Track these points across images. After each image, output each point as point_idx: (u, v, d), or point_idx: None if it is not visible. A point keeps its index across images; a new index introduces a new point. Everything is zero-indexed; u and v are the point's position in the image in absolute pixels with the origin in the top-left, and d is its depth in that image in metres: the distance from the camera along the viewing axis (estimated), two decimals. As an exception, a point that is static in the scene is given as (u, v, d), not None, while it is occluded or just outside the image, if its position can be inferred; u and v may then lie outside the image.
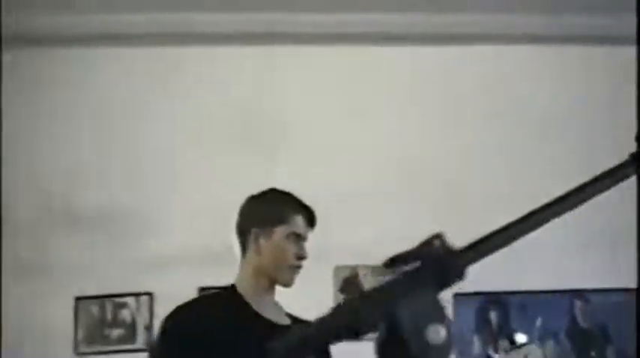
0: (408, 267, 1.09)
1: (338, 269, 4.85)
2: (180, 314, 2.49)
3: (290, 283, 2.60)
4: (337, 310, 1.07)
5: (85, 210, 4.86)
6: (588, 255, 4.83)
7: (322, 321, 1.07)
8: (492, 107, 5.09)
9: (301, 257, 2.60)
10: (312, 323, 1.07)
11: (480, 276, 4.68)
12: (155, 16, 4.96)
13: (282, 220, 2.60)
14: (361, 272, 4.88)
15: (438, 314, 1.06)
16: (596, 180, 1.15)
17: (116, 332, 4.75)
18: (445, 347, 1.04)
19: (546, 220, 1.15)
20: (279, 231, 2.59)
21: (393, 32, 5.08)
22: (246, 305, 2.56)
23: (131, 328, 4.75)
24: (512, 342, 4.29)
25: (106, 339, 4.74)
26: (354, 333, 1.05)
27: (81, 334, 4.73)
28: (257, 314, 2.55)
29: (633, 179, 1.15)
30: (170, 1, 4.89)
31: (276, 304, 2.65)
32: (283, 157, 4.73)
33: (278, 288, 2.66)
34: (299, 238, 2.61)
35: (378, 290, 1.08)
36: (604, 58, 5.05)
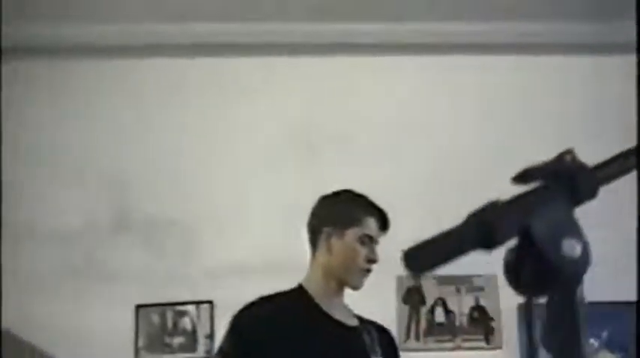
0: (539, 182, 1.08)
1: (401, 278, 4.79)
2: (249, 312, 2.48)
3: (359, 286, 2.56)
4: (471, 220, 1.06)
5: (147, 219, 4.88)
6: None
7: (457, 230, 1.06)
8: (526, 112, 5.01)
9: (372, 260, 2.57)
10: (446, 232, 1.06)
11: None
12: (196, 27, 4.99)
13: (355, 222, 2.58)
14: (424, 283, 4.83)
15: (573, 229, 1.04)
16: None
17: (177, 341, 4.74)
18: (582, 262, 1.02)
19: None
20: (352, 233, 2.56)
21: (440, 42, 5.07)
22: (316, 305, 2.53)
23: (192, 336, 4.74)
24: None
25: (166, 347, 4.73)
26: (487, 245, 1.04)
27: (142, 342, 4.72)
28: (326, 315, 2.52)
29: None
30: (219, 12, 4.89)
31: (344, 306, 2.60)
32: (339, 167, 4.69)
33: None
34: (371, 241, 2.58)
35: (511, 203, 1.06)
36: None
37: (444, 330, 4.79)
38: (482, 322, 4.79)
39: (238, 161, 4.96)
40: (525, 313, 1.05)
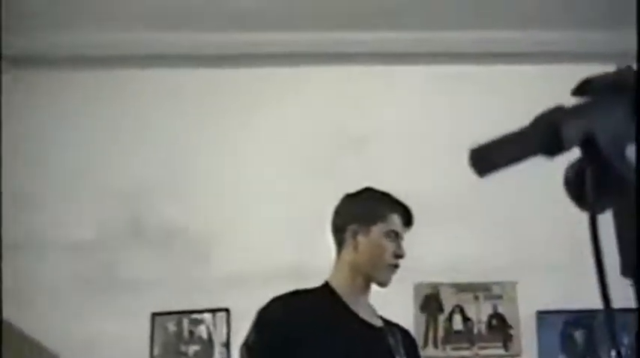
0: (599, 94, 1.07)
1: (419, 286, 4.77)
2: (276, 306, 2.48)
3: (387, 282, 2.56)
4: (537, 122, 1.05)
5: (162, 227, 4.89)
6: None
7: (523, 132, 1.06)
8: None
9: (399, 255, 2.57)
10: (512, 133, 1.06)
11: (564, 294, 4.57)
12: (211, 37, 4.99)
13: (380, 218, 2.58)
14: (442, 291, 4.80)
15: (635, 138, 1.04)
16: None
17: (193, 349, 4.72)
18: None
19: None
20: (377, 229, 2.57)
21: (467, 51, 5.08)
22: (342, 302, 2.53)
23: (208, 344, 4.72)
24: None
25: (182, 355, 4.72)
26: (551, 150, 1.04)
27: (157, 350, 4.71)
28: (353, 313, 2.52)
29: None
30: (235, 22, 4.89)
31: (369, 305, 2.59)
32: (355, 176, 4.67)
33: None
34: (396, 236, 2.57)
35: (576, 109, 1.05)
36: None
37: (462, 338, 4.76)
38: (500, 330, 4.75)
39: (254, 169, 4.96)
40: (591, 227, 1.04)
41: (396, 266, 2.57)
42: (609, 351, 4.54)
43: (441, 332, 4.76)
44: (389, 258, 2.54)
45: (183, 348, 4.73)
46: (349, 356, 2.40)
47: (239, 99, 5.09)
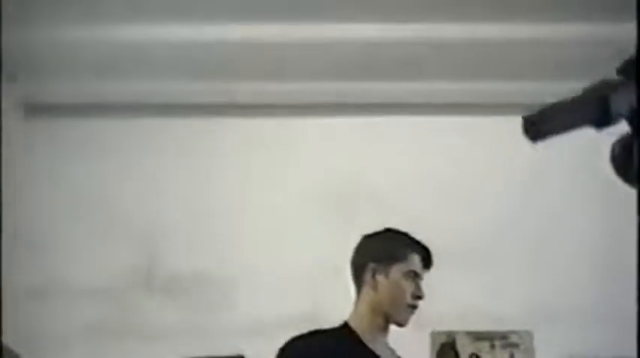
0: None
1: (435, 334, 4.75)
2: (295, 345, 2.47)
3: (405, 322, 2.55)
4: (587, 93, 1.07)
5: (176, 274, 4.91)
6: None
7: (573, 101, 1.08)
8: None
9: (418, 296, 2.55)
10: (563, 102, 1.09)
11: (581, 343, 4.51)
12: (231, 86, 5.02)
13: (399, 258, 2.57)
14: (458, 339, 4.78)
15: None
16: None
17: (208, 395, 4.70)
18: None
19: None
20: (397, 269, 2.56)
21: (479, 102, 5.12)
22: (362, 343, 2.51)
23: (224, 391, 4.70)
24: None
25: (197, 402, 4.69)
26: (600, 121, 1.06)
27: (173, 396, 4.69)
28: (372, 352, 2.49)
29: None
30: (252, 71, 4.93)
31: (388, 345, 2.58)
32: (372, 224, 4.69)
33: None
34: (416, 277, 2.56)
35: (624, 84, 1.06)
36: None
37: (479, 387, 4.73)
38: (517, 379, 4.72)
39: (271, 217, 4.98)
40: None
41: (415, 306, 2.56)
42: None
43: (457, 381, 4.74)
44: (408, 299, 2.53)
45: (198, 395, 4.71)
46: None
47: (256, 147, 5.12)
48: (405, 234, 2.65)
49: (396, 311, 2.54)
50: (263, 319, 4.59)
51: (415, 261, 2.58)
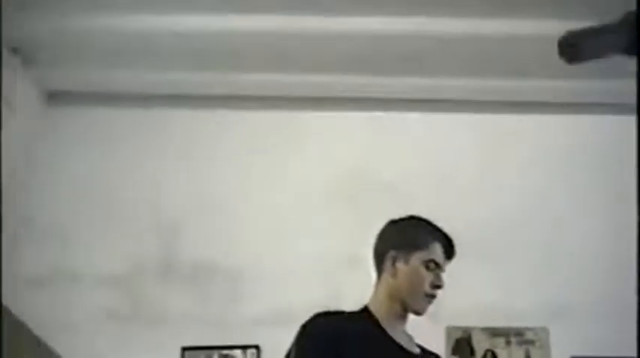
0: None
1: (450, 329, 4.74)
2: (319, 321, 2.45)
3: (423, 311, 2.53)
4: (624, 21, 1.06)
5: (193, 263, 4.94)
6: None
7: (610, 26, 1.08)
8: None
9: (437, 286, 2.52)
10: (600, 27, 1.08)
11: (597, 340, 4.49)
12: (246, 79, 5.06)
13: (421, 246, 2.54)
14: (474, 334, 4.76)
15: None
16: None
17: (222, 384, 4.72)
18: None
19: None
20: (417, 257, 2.53)
21: (494, 99, 5.15)
22: (381, 328, 2.49)
23: (238, 380, 4.71)
24: None
25: (211, 391, 4.71)
26: (628, 49, 1.05)
27: (186, 384, 4.70)
28: (392, 339, 2.48)
29: None
30: (267, 63, 4.94)
31: (406, 332, 2.56)
32: (384, 217, 4.69)
33: None
34: (437, 266, 2.54)
35: None
36: None
37: (494, 383, 4.72)
38: (532, 376, 4.70)
39: (285, 207, 5.00)
40: None
41: (433, 296, 2.53)
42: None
43: (473, 377, 4.73)
44: (427, 288, 2.51)
45: (212, 383, 4.72)
46: None
47: (263, 139, 5.15)
48: (429, 223, 2.62)
49: (413, 300, 2.51)
50: (277, 310, 4.60)
51: (437, 250, 2.55)
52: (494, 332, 4.78)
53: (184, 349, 4.73)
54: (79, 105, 5.16)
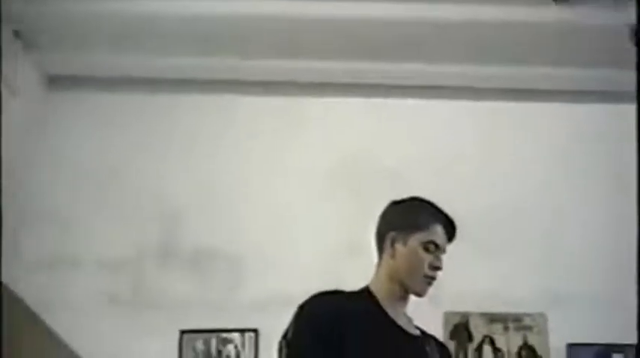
0: None
1: (448, 314, 4.76)
2: (317, 301, 2.42)
3: (422, 293, 2.51)
4: None
5: (193, 248, 4.95)
6: None
7: None
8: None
9: (436, 267, 2.50)
10: None
11: (595, 327, 4.50)
12: (248, 64, 5.05)
13: (420, 227, 2.51)
14: (472, 320, 4.78)
15: None
16: None
17: (220, 368, 4.74)
18: None
19: None
20: (416, 238, 2.50)
21: (491, 87, 5.16)
22: (381, 309, 2.49)
23: (236, 364, 4.73)
24: None
25: (210, 374, 4.73)
26: None
27: (185, 368, 4.73)
28: (392, 321, 2.48)
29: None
30: (270, 49, 4.94)
31: (406, 315, 2.56)
32: (385, 202, 4.71)
33: None
34: (436, 248, 2.51)
35: None
36: None
37: (492, 369, 4.74)
38: (530, 361, 4.73)
39: (286, 193, 5.01)
40: None
41: (433, 278, 2.50)
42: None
43: (470, 362, 4.75)
44: (425, 269, 2.48)
45: (211, 367, 4.75)
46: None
47: (273, 125, 5.16)
48: (431, 204, 2.60)
49: (412, 281, 2.49)
50: (276, 295, 4.60)
51: (437, 231, 2.52)
52: (492, 318, 4.80)
53: (183, 332, 4.76)
54: (80, 90, 5.16)
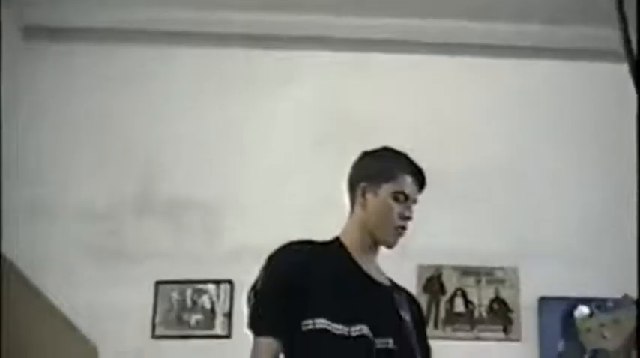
0: None
1: (422, 268, 4.80)
2: (286, 251, 2.46)
3: (392, 244, 2.53)
4: None
5: (169, 199, 4.95)
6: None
7: None
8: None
9: (406, 217, 2.52)
10: None
11: (566, 280, 4.55)
12: (234, 17, 5.02)
13: (390, 177, 2.53)
14: (445, 273, 4.82)
15: None
16: None
17: (195, 318, 4.76)
18: None
19: None
20: (386, 188, 2.52)
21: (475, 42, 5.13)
22: (351, 258, 2.51)
23: (210, 314, 4.76)
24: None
25: (184, 324, 4.76)
26: None
27: (159, 318, 4.75)
28: (361, 269, 2.50)
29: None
30: (259, 3, 4.90)
31: (377, 265, 2.58)
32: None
33: None
34: (406, 199, 2.53)
35: None
36: None
37: (463, 320, 4.79)
38: (501, 314, 4.78)
39: (262, 147, 5.01)
40: None
41: (403, 228, 2.52)
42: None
43: (442, 314, 4.79)
44: (395, 220, 2.50)
45: (185, 317, 4.76)
46: (354, 307, 2.39)
47: (253, 78, 5.14)
48: (402, 154, 2.61)
49: (382, 231, 2.51)
50: (251, 246, 4.58)
51: (407, 181, 2.54)
52: (464, 271, 4.84)
53: (158, 283, 4.77)
54: (57, 41, 5.11)
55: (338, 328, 2.32)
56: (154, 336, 4.73)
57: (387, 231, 2.52)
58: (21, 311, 3.52)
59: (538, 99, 5.13)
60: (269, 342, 2.34)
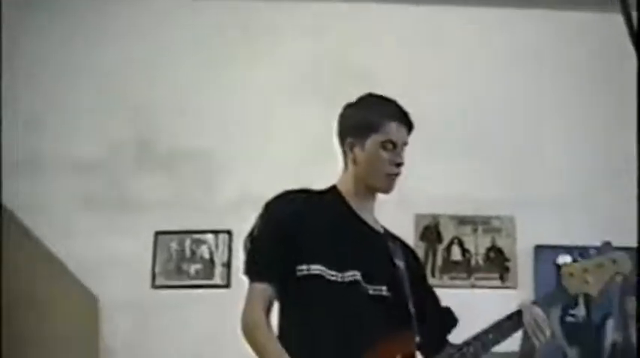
0: None
1: (419, 217, 4.82)
2: (283, 199, 2.48)
3: (389, 190, 2.53)
4: None
5: (169, 149, 4.95)
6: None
7: None
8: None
9: (397, 163, 2.50)
10: None
11: (562, 229, 4.57)
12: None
13: (374, 128, 2.50)
14: (442, 222, 4.85)
15: None
16: None
17: (194, 268, 4.79)
18: None
19: None
20: (373, 140, 2.49)
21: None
22: (347, 205, 2.53)
23: (209, 264, 4.79)
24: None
25: (183, 274, 4.79)
26: None
27: (159, 268, 4.78)
28: (357, 216, 2.52)
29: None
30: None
31: (373, 214, 2.59)
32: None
33: None
34: (395, 146, 2.51)
35: None
36: None
37: (460, 268, 4.82)
38: (498, 262, 4.81)
39: (263, 95, 4.99)
40: None
41: (396, 174, 2.51)
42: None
43: (439, 262, 4.82)
44: (387, 168, 2.49)
45: (184, 267, 4.79)
46: (348, 253, 2.40)
47: (251, 28, 5.10)
48: (384, 99, 2.58)
49: (375, 180, 2.51)
50: (250, 196, 4.61)
51: (392, 128, 2.50)
52: (461, 220, 4.86)
53: (157, 233, 4.80)
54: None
55: (332, 274, 2.34)
56: (153, 286, 4.76)
57: (379, 179, 2.52)
58: (21, 261, 3.56)
59: (540, 49, 5.10)
60: (264, 288, 2.36)
